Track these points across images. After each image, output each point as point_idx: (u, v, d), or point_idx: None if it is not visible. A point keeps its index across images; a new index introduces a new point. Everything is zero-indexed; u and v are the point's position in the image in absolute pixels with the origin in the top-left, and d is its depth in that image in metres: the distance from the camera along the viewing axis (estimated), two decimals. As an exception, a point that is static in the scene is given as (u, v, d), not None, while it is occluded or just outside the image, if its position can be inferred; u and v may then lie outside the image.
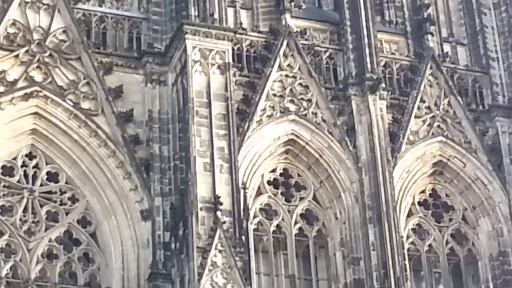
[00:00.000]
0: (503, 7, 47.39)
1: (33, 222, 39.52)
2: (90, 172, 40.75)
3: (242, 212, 39.33)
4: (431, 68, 45.18)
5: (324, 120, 43.41)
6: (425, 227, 44.06)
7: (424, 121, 45.12)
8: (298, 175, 43.21)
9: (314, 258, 42.45)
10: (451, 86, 45.61)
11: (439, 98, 45.54)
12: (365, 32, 44.61)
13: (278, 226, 42.22)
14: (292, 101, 43.38)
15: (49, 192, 40.37)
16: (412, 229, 43.79)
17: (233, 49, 42.35)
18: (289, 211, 42.54)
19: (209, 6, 41.95)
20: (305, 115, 43.35)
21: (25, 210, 39.85)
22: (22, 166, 40.31)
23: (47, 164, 40.70)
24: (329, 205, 42.99)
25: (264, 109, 42.74)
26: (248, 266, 38.42)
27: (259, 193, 42.21)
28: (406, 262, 41.80)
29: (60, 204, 40.19)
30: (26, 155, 40.60)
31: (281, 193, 42.72)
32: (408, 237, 43.28)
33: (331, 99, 43.89)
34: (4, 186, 39.92)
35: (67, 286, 39.62)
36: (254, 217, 41.39)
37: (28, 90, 40.56)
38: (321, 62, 44.65)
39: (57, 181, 40.66)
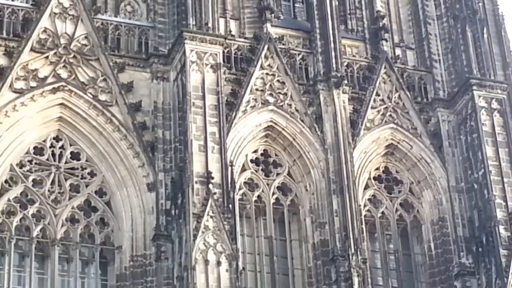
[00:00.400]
0: (445, 18, 47.45)
1: (59, 192, 39.66)
2: (106, 152, 40.86)
3: (229, 185, 39.57)
4: (385, 68, 45.19)
5: (297, 110, 43.41)
6: (378, 197, 44.21)
7: (378, 111, 45.02)
8: (276, 155, 43.27)
9: (288, 223, 42.62)
10: (401, 82, 45.61)
11: (391, 92, 45.47)
12: (331, 38, 44.48)
13: (259, 196, 42.33)
14: (271, 95, 43.39)
15: (72, 168, 40.50)
16: (368, 199, 43.90)
17: (223, 52, 42.32)
18: (267, 184, 42.65)
19: (204, 17, 41.84)
20: (282, 106, 43.34)
21: (52, 183, 39.96)
22: (50, 147, 40.32)
23: (70, 145, 40.72)
24: (301, 179, 43.08)
25: (248, 101, 42.78)
26: (234, 229, 38.57)
27: (243, 169, 42.32)
28: (363, 226, 42.07)
29: (81, 178, 40.40)
30: (54, 138, 40.63)
31: (262, 170, 42.88)
32: (365, 205, 43.34)
33: (303, 93, 43.87)
34: (35, 163, 39.99)
35: (87, 245, 39.84)
36: (239, 189, 41.53)
37: (55, 85, 40.59)
38: (295, 63, 44.63)
39: (78, 159, 40.74)
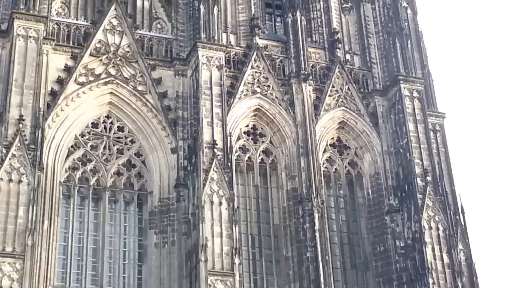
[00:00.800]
0: (381, 33, 47.37)
1: (109, 154, 39.82)
2: (142, 126, 40.94)
3: (228, 149, 39.76)
4: (338, 68, 44.85)
5: (276, 97, 43.32)
6: (333, 158, 44.16)
7: (334, 98, 44.88)
8: (261, 128, 43.22)
9: (269, 176, 42.79)
10: (350, 78, 45.41)
11: (343, 85, 45.19)
12: (301, 47, 44.23)
13: (249, 157, 42.40)
14: (258, 86, 43.26)
15: (118, 137, 40.53)
16: (326, 159, 43.84)
17: (225, 56, 42.11)
18: (255, 149, 42.71)
19: (211, 32, 41.82)
20: (266, 94, 43.26)
21: (104, 147, 40.09)
22: (103, 122, 40.48)
23: (117, 121, 40.82)
24: (279, 145, 43.07)
25: (242, 91, 42.78)
26: (231, 179, 38.87)
27: (238, 138, 42.27)
28: (322, 178, 42.18)
29: (125, 144, 40.51)
30: (105, 116, 40.71)
31: (251, 139, 42.90)
32: (323, 164, 43.38)
33: (280, 85, 43.69)
34: (92, 134, 40.07)
35: (128, 191, 40.05)
36: (235, 152, 41.59)
37: (107, 79, 40.76)
38: (275, 64, 44.42)
39: (123, 131, 40.79)
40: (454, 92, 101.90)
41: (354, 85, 45.64)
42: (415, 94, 45.08)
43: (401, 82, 44.93)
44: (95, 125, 40.57)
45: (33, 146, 36.36)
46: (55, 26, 41.18)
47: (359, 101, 45.39)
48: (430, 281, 39.25)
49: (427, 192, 41.64)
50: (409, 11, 48.57)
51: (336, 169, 44.23)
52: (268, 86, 43.72)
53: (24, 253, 33.75)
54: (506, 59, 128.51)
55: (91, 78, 40.57)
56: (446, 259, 40.29)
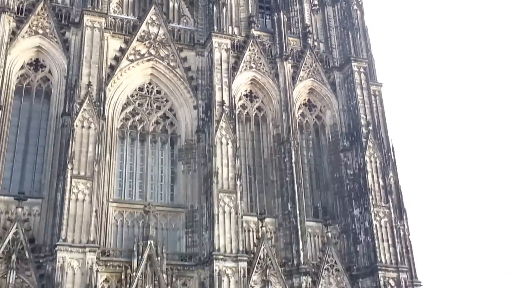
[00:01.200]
0: (339, 27, 47.38)
1: (150, 109, 39.94)
2: (174, 90, 40.77)
3: (233, 106, 39.83)
4: (309, 51, 44.65)
5: (266, 71, 42.99)
6: (305, 113, 43.99)
7: (305, 72, 44.88)
8: (256, 92, 43.05)
9: (260, 125, 42.71)
10: (317, 59, 45.25)
11: (312, 63, 45.00)
12: (283, 36, 44.30)
13: (247, 112, 42.31)
14: (254, 63, 43.04)
15: (157, 98, 40.36)
16: (300, 114, 43.54)
17: (231, 43, 42.04)
18: (252, 107, 42.59)
19: (221, 25, 41.81)
20: (259, 69, 42.97)
21: (147, 104, 40.13)
22: (146, 87, 40.44)
23: (156, 86, 40.70)
24: (267, 104, 42.78)
25: (242, 67, 42.40)
26: (235, 127, 38.89)
27: (239, 99, 42.18)
28: (297, 127, 41.97)
29: (161, 102, 40.42)
30: (148, 83, 40.61)
31: (249, 99, 42.67)
32: (298, 117, 43.11)
33: (269, 63, 43.38)
34: (139, 95, 40.04)
35: (164, 134, 39.88)
36: (238, 108, 41.62)
37: (149, 58, 40.60)
38: (265, 48, 44.04)
39: (160, 93, 40.67)
40: (389, 68, 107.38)
41: (319, 63, 45.25)
42: (361, 70, 44.80)
43: (352, 61, 44.67)
44: (141, 89, 40.48)
45: (98, 103, 36.44)
46: (112, 20, 40.79)
47: (323, 74, 45.02)
48: (370, 197, 39.59)
49: (369, 137, 41.65)
50: (358, 12, 47.57)
51: (307, 121, 44.09)
52: (260, 63, 43.33)
53: (92, 176, 34.24)
54: (430, 47, 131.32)
55: (137, 57, 40.40)
56: (381, 183, 40.54)
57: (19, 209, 33.36)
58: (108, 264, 33.84)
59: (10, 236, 32.37)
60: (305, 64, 44.82)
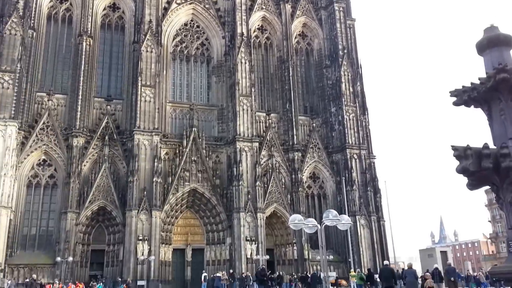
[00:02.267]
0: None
1: (193, 38, 40.72)
2: (208, 25, 41.54)
3: (249, 36, 40.70)
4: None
5: (273, 11, 43.65)
6: (299, 41, 44.30)
7: (301, 11, 45.06)
8: (265, 26, 43.36)
9: (269, 49, 42.96)
10: (309, 1, 45.35)
11: (305, 5, 45.25)
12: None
13: (259, 41, 43.12)
14: (264, 5, 43.65)
15: (197, 30, 40.95)
16: (296, 42, 43.91)
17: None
18: (262, 36, 43.49)
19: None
20: (267, 9, 43.60)
21: (190, 35, 40.55)
22: (189, 23, 40.84)
23: (196, 22, 41.32)
24: (273, 34, 43.37)
25: (256, 7, 43.05)
26: (251, 51, 40.25)
27: (254, 31, 42.51)
28: (294, 50, 42.44)
29: (200, 33, 41.05)
30: (190, 20, 41.08)
31: (260, 31, 43.38)
32: (295, 44, 43.46)
33: (274, 4, 43.79)
34: (184, 29, 40.57)
35: (202, 57, 40.68)
36: (252, 38, 42.04)
37: (191, 1, 41.44)
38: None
39: (199, 27, 41.13)
40: (363, 7, 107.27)
41: (311, 4, 45.89)
42: (341, 9, 45.39)
43: (334, 2, 45.35)
44: (185, 24, 41.54)
45: (156, 34, 38.07)
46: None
47: (313, 13, 45.69)
48: (343, 100, 41.59)
49: (344, 58, 43.00)
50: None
51: (301, 46, 45.02)
52: (269, 5, 44.08)
53: (155, 85, 36.66)
54: None
55: (183, 1, 41.44)
56: (351, 90, 42.44)
57: (108, 107, 36.90)
58: (167, 143, 36.97)
59: (103, 124, 36.21)
60: (301, 5, 45.29)
